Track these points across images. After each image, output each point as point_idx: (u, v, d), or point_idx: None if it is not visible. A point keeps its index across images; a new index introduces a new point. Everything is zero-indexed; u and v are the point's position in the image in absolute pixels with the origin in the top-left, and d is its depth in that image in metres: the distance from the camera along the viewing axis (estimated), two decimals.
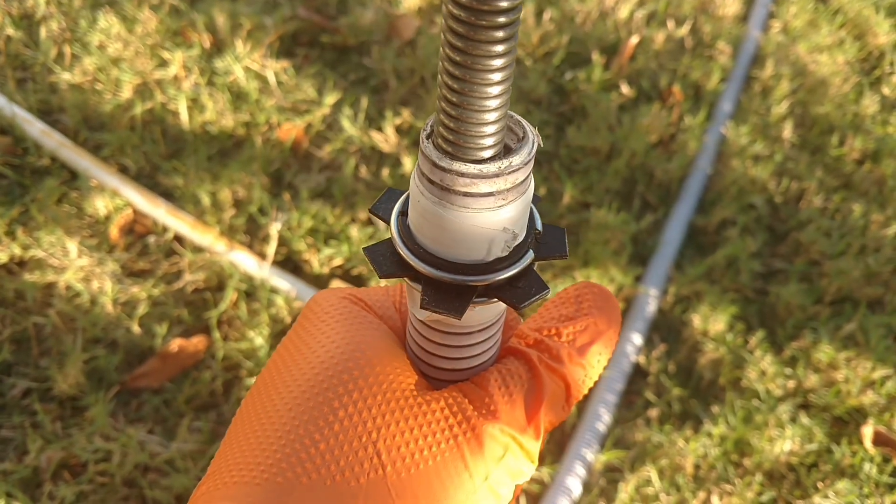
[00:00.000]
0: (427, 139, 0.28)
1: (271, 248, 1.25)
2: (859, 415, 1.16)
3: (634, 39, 1.68)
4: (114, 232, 1.26)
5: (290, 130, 1.44)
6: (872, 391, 1.18)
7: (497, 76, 0.25)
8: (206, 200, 1.30)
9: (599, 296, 0.37)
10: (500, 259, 0.30)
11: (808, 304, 1.29)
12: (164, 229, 1.27)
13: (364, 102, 1.50)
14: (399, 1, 1.72)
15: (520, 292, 0.30)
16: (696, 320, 1.24)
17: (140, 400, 1.10)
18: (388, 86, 1.56)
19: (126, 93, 1.46)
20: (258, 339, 1.15)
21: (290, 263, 1.27)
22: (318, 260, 1.26)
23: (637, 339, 1.21)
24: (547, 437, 1.12)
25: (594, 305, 0.37)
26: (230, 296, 1.20)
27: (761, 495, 1.08)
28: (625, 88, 1.58)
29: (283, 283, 1.21)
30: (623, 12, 1.75)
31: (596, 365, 0.36)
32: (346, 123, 1.46)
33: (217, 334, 1.15)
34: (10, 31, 1.53)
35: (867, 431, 1.13)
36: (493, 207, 0.28)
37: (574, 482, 1.05)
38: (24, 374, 1.10)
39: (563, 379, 0.35)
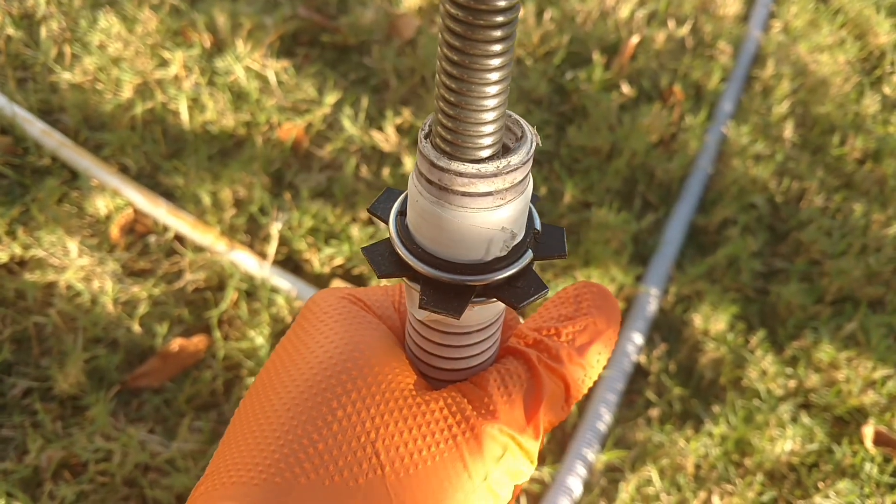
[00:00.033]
0: (425, 139, 0.28)
1: (272, 248, 1.25)
2: (860, 415, 1.16)
3: (635, 39, 1.68)
4: (114, 231, 1.26)
5: (291, 130, 1.44)
6: (873, 391, 1.17)
7: (495, 76, 0.25)
8: (206, 200, 1.30)
9: (598, 295, 0.37)
10: (499, 259, 0.30)
11: (809, 304, 1.28)
12: (165, 229, 1.27)
13: (364, 102, 1.50)
14: (399, 0, 1.72)
15: (519, 292, 0.30)
16: (697, 320, 1.24)
17: (141, 399, 1.10)
18: (389, 85, 1.56)
19: (126, 92, 1.46)
20: (259, 338, 1.15)
21: (290, 263, 1.27)
22: (318, 259, 1.26)
23: (638, 338, 1.21)
24: (547, 437, 1.12)
25: (593, 305, 0.37)
26: (231, 295, 1.20)
27: (762, 495, 1.08)
28: (625, 88, 1.58)
29: (283, 282, 1.21)
30: (624, 12, 1.75)
31: (595, 365, 0.36)
32: (346, 123, 1.46)
33: (218, 334, 1.16)
34: (10, 30, 1.53)
35: (868, 431, 1.13)
36: (491, 207, 0.28)
37: (575, 482, 1.05)
38: (24, 374, 1.10)
39: (562, 379, 0.35)
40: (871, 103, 1.65)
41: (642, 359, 1.20)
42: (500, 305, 0.33)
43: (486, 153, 0.27)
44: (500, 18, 0.23)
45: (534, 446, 0.34)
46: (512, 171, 0.28)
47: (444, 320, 0.32)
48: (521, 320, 0.40)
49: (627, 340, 1.20)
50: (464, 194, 0.27)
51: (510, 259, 0.30)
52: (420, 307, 0.30)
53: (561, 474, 1.06)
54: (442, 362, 0.35)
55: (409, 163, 1.40)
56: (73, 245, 1.21)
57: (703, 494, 1.07)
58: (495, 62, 0.25)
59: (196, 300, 1.20)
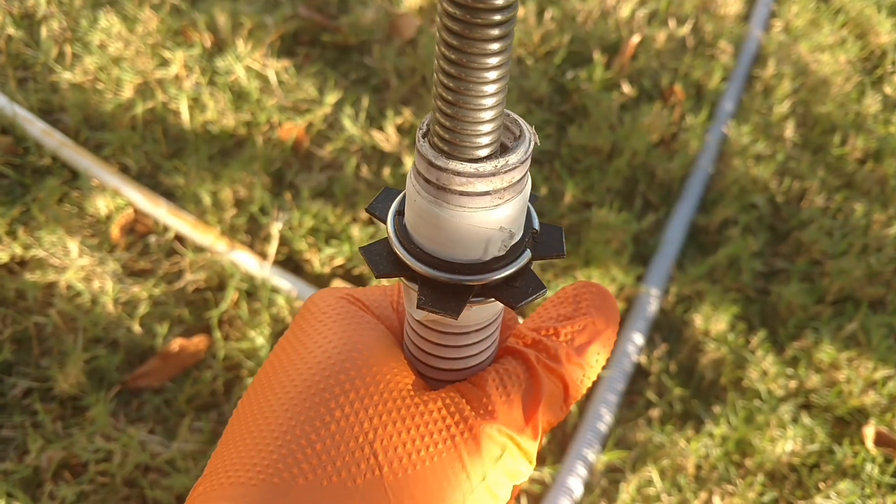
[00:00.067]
0: (423, 138, 0.28)
1: (272, 248, 1.25)
2: (861, 415, 1.16)
3: (636, 38, 1.68)
4: (115, 231, 1.26)
5: (291, 130, 1.44)
6: (874, 391, 1.17)
7: (493, 74, 0.25)
8: (207, 200, 1.30)
9: (597, 295, 0.37)
10: (497, 258, 0.30)
11: (810, 304, 1.28)
12: (165, 229, 1.27)
13: (365, 102, 1.50)
14: (400, 0, 1.72)
15: (517, 292, 0.30)
16: (698, 320, 1.24)
17: (141, 400, 1.10)
18: (390, 85, 1.56)
19: (127, 92, 1.46)
20: (259, 338, 1.15)
21: (291, 263, 1.27)
22: (319, 259, 1.26)
23: (638, 338, 1.21)
24: (547, 438, 1.12)
25: (592, 305, 0.37)
26: (231, 295, 1.20)
27: (763, 496, 1.07)
28: (626, 88, 1.58)
29: (284, 282, 1.21)
30: (624, 11, 1.75)
31: (594, 364, 0.36)
32: (347, 123, 1.46)
33: (218, 334, 1.15)
34: (10, 30, 1.53)
35: (869, 432, 1.12)
36: (489, 206, 0.28)
37: (575, 482, 1.05)
38: (24, 374, 1.10)
39: (561, 379, 0.35)
40: (872, 103, 1.65)
41: (643, 359, 1.20)
42: (499, 305, 0.33)
43: (484, 152, 0.27)
44: (497, 17, 0.23)
45: (532, 446, 0.34)
46: (510, 170, 0.27)
47: (442, 320, 0.32)
48: (520, 320, 0.40)
49: (628, 341, 1.20)
50: (462, 194, 0.27)
51: (508, 259, 0.30)
52: (418, 307, 0.30)
53: (561, 475, 1.06)
54: (440, 362, 0.35)
55: (409, 163, 1.40)
56: (73, 245, 1.21)
57: (703, 495, 1.07)
58: (493, 61, 0.24)
59: (196, 300, 1.20)
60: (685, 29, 1.75)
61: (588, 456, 1.07)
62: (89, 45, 1.53)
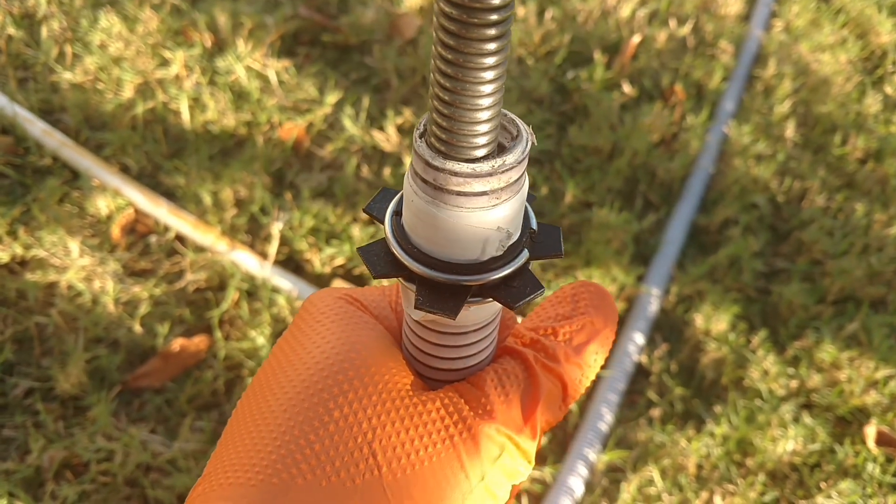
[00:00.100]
0: (420, 138, 0.28)
1: (273, 248, 1.25)
2: (862, 415, 1.16)
3: (636, 38, 1.68)
4: (115, 231, 1.26)
5: (292, 130, 1.44)
6: (875, 391, 1.17)
7: (490, 74, 0.25)
8: (207, 200, 1.30)
9: (596, 294, 0.37)
10: (495, 258, 0.30)
11: (811, 304, 1.28)
12: (166, 229, 1.27)
13: (365, 101, 1.50)
14: (400, 0, 1.72)
15: (514, 292, 0.30)
16: (699, 320, 1.24)
17: (142, 399, 1.10)
18: (390, 85, 1.56)
19: (127, 92, 1.47)
20: (260, 338, 1.15)
21: (291, 263, 1.27)
22: (319, 259, 1.26)
23: (639, 338, 1.21)
24: (548, 437, 1.12)
25: (590, 304, 0.37)
26: (232, 295, 1.20)
27: (764, 495, 1.07)
28: (627, 87, 1.58)
29: (284, 282, 1.21)
30: (625, 11, 1.75)
31: (593, 364, 0.36)
32: (347, 123, 1.46)
33: (219, 334, 1.16)
34: (11, 30, 1.54)
35: (870, 431, 1.12)
36: (486, 206, 0.28)
37: (576, 482, 1.05)
38: (26, 374, 1.10)
39: (559, 378, 0.35)
40: (872, 103, 1.64)
41: (644, 359, 1.20)
42: (497, 305, 0.33)
43: (481, 152, 0.27)
44: (494, 17, 0.23)
45: (531, 446, 0.34)
46: (507, 170, 0.27)
47: (440, 320, 0.32)
48: (519, 320, 0.40)
49: (629, 340, 1.20)
50: (459, 194, 0.27)
51: (506, 259, 0.30)
52: (416, 307, 0.30)
53: (562, 474, 1.06)
54: (439, 362, 0.35)
55: (409, 163, 1.40)
56: (74, 245, 1.21)
57: (704, 495, 1.07)
58: (490, 61, 0.24)
59: (197, 300, 1.20)
60: (686, 29, 1.75)
61: (589, 455, 1.07)
62: (90, 45, 1.53)
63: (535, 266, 1.28)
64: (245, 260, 1.23)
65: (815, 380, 1.18)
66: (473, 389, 0.33)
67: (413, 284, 0.30)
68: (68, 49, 1.53)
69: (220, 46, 1.58)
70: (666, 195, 1.44)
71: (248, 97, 1.49)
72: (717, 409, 1.15)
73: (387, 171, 1.39)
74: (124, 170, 1.35)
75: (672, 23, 1.76)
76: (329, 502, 0.30)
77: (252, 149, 1.40)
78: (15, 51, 1.52)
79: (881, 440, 1.12)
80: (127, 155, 1.37)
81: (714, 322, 1.23)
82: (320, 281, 1.25)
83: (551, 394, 0.35)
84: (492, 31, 0.24)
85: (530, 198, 0.32)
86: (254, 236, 1.29)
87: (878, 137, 1.57)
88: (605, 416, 1.11)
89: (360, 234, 1.29)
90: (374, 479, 0.30)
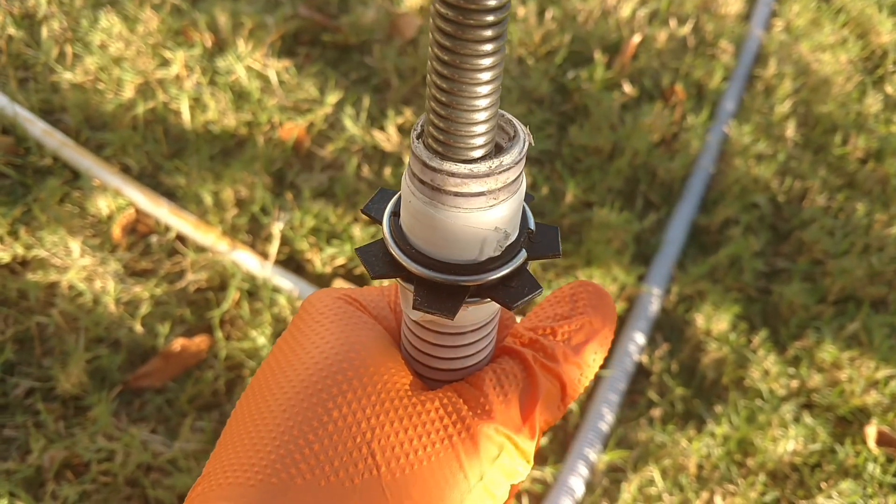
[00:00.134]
0: (417, 139, 0.28)
1: (273, 248, 1.25)
2: (863, 415, 1.16)
3: (636, 38, 1.68)
4: (116, 231, 1.26)
5: (292, 130, 1.44)
6: (876, 391, 1.17)
7: (486, 75, 0.25)
8: (208, 200, 1.30)
9: (594, 294, 0.37)
10: (493, 259, 0.30)
11: (812, 304, 1.28)
12: (167, 229, 1.28)
13: (366, 101, 1.50)
14: (400, 0, 1.72)
15: (512, 292, 0.30)
16: (699, 320, 1.24)
17: (143, 399, 1.10)
18: (390, 85, 1.56)
19: (128, 92, 1.47)
20: (261, 338, 1.15)
21: (292, 263, 1.27)
22: (320, 259, 1.26)
23: (640, 338, 1.21)
24: (549, 437, 1.12)
25: (589, 304, 0.37)
26: (233, 295, 1.20)
27: (765, 495, 1.07)
28: (627, 87, 1.58)
29: (285, 282, 1.21)
30: (625, 11, 1.75)
31: (591, 364, 0.36)
32: (348, 122, 1.46)
33: (219, 334, 1.16)
34: (11, 30, 1.54)
35: (871, 431, 1.12)
36: (484, 207, 0.28)
37: (577, 482, 1.05)
38: (27, 374, 1.10)
39: (558, 378, 0.35)
40: (873, 102, 1.64)
41: (644, 359, 1.20)
42: (495, 305, 0.33)
43: (478, 153, 0.27)
44: (490, 18, 0.23)
45: (530, 446, 0.34)
46: (504, 170, 0.27)
47: (438, 320, 0.32)
48: (518, 320, 0.40)
49: (629, 340, 1.20)
50: (456, 194, 0.27)
51: (504, 259, 0.30)
52: (414, 308, 0.30)
53: (563, 474, 1.06)
54: (437, 362, 0.35)
55: (407, 163, 1.40)
56: (75, 245, 1.21)
57: (705, 495, 1.07)
58: (486, 62, 0.24)
59: (198, 300, 1.21)
60: (686, 28, 1.75)
61: (590, 455, 1.07)
62: (90, 46, 1.54)
63: (535, 266, 1.28)
64: (246, 260, 1.23)
65: (815, 380, 1.18)
66: (472, 389, 0.33)
67: (411, 285, 0.30)
68: (69, 49, 1.53)
69: (221, 46, 1.58)
70: (666, 195, 1.44)
71: (249, 97, 1.49)
72: (718, 409, 1.15)
73: (387, 171, 1.40)
74: (125, 170, 1.36)
75: (672, 22, 1.76)
76: (328, 502, 0.30)
77: (253, 149, 1.40)
78: (15, 51, 1.52)
79: (882, 440, 1.12)
80: (128, 155, 1.37)
81: (715, 322, 1.23)
82: (321, 281, 1.25)
83: (550, 393, 0.35)
84: (488, 32, 0.24)
85: (528, 198, 0.32)
86: (255, 236, 1.29)
87: (878, 137, 1.57)
88: (605, 416, 1.11)
89: (360, 234, 1.29)
90: (373, 478, 0.30)
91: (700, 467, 1.10)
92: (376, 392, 0.32)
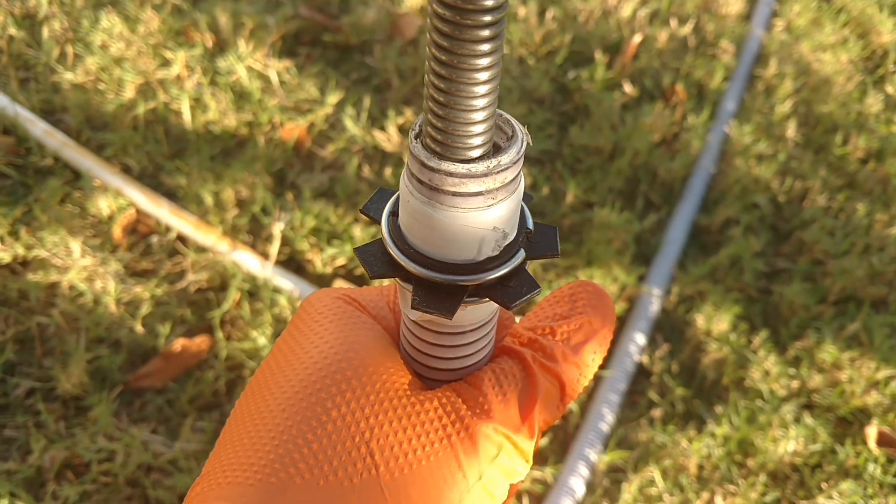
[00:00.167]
0: (415, 139, 0.28)
1: (274, 248, 1.25)
2: (863, 415, 1.16)
3: (637, 38, 1.68)
4: (117, 232, 1.26)
5: (293, 130, 1.44)
6: (876, 391, 1.17)
7: (484, 75, 0.25)
8: (209, 200, 1.31)
9: (594, 294, 0.37)
10: (491, 258, 0.30)
11: (812, 304, 1.28)
12: (168, 229, 1.28)
13: (367, 102, 1.51)
14: (401, 0, 1.72)
15: (511, 291, 0.30)
16: (700, 320, 1.24)
17: (143, 400, 1.10)
18: (391, 85, 1.56)
19: (129, 92, 1.47)
20: (261, 338, 1.15)
21: (292, 263, 1.27)
22: (320, 260, 1.26)
23: (640, 338, 1.21)
24: (549, 437, 1.12)
25: (588, 304, 0.37)
26: (233, 295, 1.20)
27: (765, 496, 1.07)
28: (628, 87, 1.58)
29: (285, 282, 1.21)
30: (626, 11, 1.75)
31: (591, 364, 0.36)
32: (348, 123, 1.46)
33: (220, 334, 1.16)
34: (12, 30, 1.54)
35: (871, 432, 1.12)
36: (482, 207, 0.28)
37: (577, 482, 1.05)
38: (27, 374, 1.10)
39: (557, 378, 0.35)
40: (873, 102, 1.64)
41: (645, 359, 1.20)
42: (493, 305, 0.33)
43: (476, 153, 0.27)
44: (487, 18, 0.23)
45: (529, 446, 0.34)
46: (503, 170, 0.27)
47: (437, 320, 0.32)
48: (517, 319, 0.40)
49: (630, 340, 1.20)
50: (454, 194, 0.27)
51: (502, 259, 0.30)
52: (412, 307, 0.30)
53: (563, 474, 1.06)
54: (436, 362, 0.35)
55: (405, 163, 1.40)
56: (75, 245, 1.21)
57: (705, 495, 1.07)
58: (484, 62, 0.24)
59: (198, 300, 1.21)
60: (687, 28, 1.75)
61: (590, 456, 1.07)
62: (91, 46, 1.54)
63: (535, 266, 1.28)
64: (246, 260, 1.23)
65: (816, 380, 1.18)
66: (471, 389, 0.33)
67: (410, 284, 0.30)
68: (69, 49, 1.53)
69: (222, 47, 1.58)
70: (667, 195, 1.44)
71: (250, 97, 1.49)
72: (719, 409, 1.15)
73: (388, 172, 1.40)
74: (126, 170, 1.36)
75: (673, 22, 1.76)
76: (327, 502, 0.30)
77: (253, 149, 1.40)
78: (16, 51, 1.52)
79: (882, 441, 1.12)
80: (128, 155, 1.37)
81: (715, 322, 1.23)
82: (322, 281, 1.25)
83: (549, 393, 0.35)
84: (485, 33, 0.24)
85: (527, 198, 0.32)
86: (255, 236, 1.29)
87: (879, 137, 1.57)
88: (606, 417, 1.11)
89: (361, 234, 1.29)
90: (372, 478, 0.30)
91: (700, 468, 1.10)
92: (375, 392, 0.32)
